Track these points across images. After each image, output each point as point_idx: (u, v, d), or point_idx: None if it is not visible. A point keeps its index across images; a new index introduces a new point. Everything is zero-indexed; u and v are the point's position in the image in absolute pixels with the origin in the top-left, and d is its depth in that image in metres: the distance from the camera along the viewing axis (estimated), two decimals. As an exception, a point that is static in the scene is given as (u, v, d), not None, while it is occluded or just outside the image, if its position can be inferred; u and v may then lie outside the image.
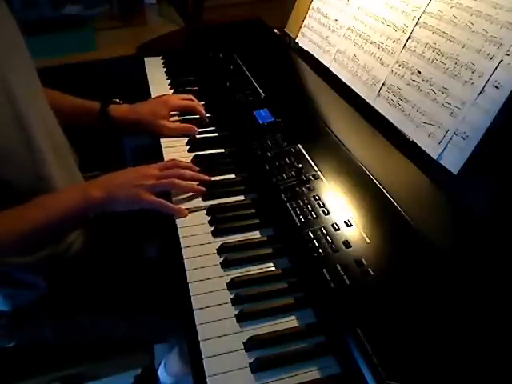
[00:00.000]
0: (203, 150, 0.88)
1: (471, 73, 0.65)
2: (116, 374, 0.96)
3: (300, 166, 0.72)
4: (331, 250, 0.58)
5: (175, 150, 0.89)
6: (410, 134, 0.74)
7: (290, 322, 0.57)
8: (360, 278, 0.54)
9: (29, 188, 0.70)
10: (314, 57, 1.04)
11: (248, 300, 0.58)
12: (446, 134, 0.67)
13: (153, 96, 1.04)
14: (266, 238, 0.68)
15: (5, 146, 0.66)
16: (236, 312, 0.57)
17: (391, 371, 0.44)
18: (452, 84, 0.68)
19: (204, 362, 0.52)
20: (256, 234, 0.69)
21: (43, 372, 0.83)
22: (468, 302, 0.50)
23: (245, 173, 0.81)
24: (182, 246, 0.67)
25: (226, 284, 0.61)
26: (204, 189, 0.76)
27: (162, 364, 1.19)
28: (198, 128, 0.93)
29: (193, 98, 0.99)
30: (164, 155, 0.87)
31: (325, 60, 1.00)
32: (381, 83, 0.82)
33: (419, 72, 0.74)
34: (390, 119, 0.78)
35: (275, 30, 1.24)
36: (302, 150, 0.77)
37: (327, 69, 0.99)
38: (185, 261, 0.64)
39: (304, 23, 1.12)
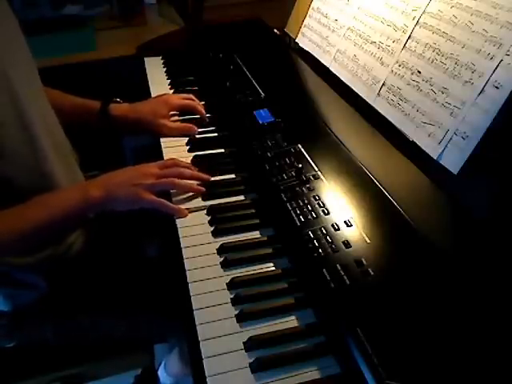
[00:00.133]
0: (203, 150, 0.88)
1: (471, 73, 0.65)
2: (116, 374, 0.96)
3: (300, 166, 0.72)
4: (331, 250, 0.58)
5: (175, 149, 0.89)
6: (410, 134, 0.74)
7: (290, 321, 0.57)
8: (360, 277, 0.54)
9: (31, 185, 0.70)
10: (314, 57, 1.04)
11: (248, 300, 0.58)
12: (446, 134, 0.67)
13: (153, 96, 1.04)
14: (265, 238, 0.68)
15: (8, 146, 0.66)
16: (236, 312, 0.57)
17: (391, 371, 0.44)
18: (452, 84, 0.68)
19: (204, 362, 0.52)
20: (256, 234, 0.69)
21: (43, 372, 0.83)
22: (468, 302, 0.50)
23: (245, 173, 0.81)
24: (182, 245, 0.67)
25: (226, 284, 0.61)
26: (203, 189, 0.76)
27: (162, 364, 1.19)
28: (198, 128, 0.93)
29: (193, 97, 0.99)
30: (164, 155, 0.87)
31: (325, 60, 1.00)
32: (381, 83, 0.82)
33: (419, 72, 0.74)
34: (390, 119, 0.78)
35: (275, 30, 1.24)
36: (302, 150, 0.77)
37: (327, 69, 0.99)
38: (185, 261, 0.64)
39: (304, 23, 1.12)
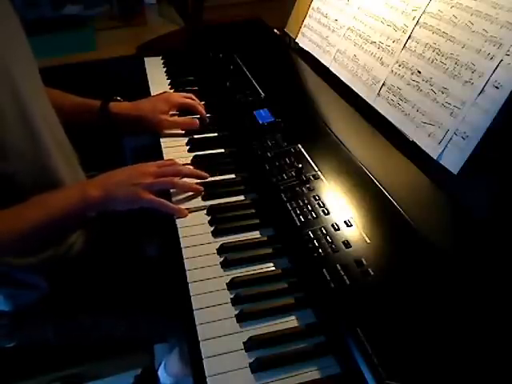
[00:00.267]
0: (203, 150, 0.88)
1: (471, 73, 0.65)
2: (116, 374, 0.96)
3: (300, 166, 0.72)
4: (331, 250, 0.58)
5: (175, 149, 0.89)
6: (410, 134, 0.74)
7: (290, 321, 0.57)
8: (360, 277, 0.54)
9: (35, 182, 0.70)
10: (314, 57, 1.04)
11: (248, 300, 0.59)
12: (446, 134, 0.67)
13: (153, 96, 1.04)
14: (265, 238, 0.68)
15: (10, 141, 0.67)
16: (236, 312, 0.57)
17: (391, 371, 0.44)
18: (452, 84, 0.68)
19: (204, 362, 0.52)
20: (256, 234, 0.69)
21: (44, 372, 0.83)
22: (468, 302, 0.50)
23: (245, 173, 0.81)
24: (182, 245, 0.67)
25: (226, 284, 0.61)
26: (202, 188, 0.76)
27: (162, 364, 1.19)
28: (198, 128, 0.93)
29: (194, 97, 0.99)
30: (164, 155, 0.87)
31: (325, 60, 1.00)
32: (381, 83, 0.82)
33: (419, 72, 0.74)
34: (390, 119, 0.78)
35: (275, 30, 1.25)
36: (302, 150, 0.77)
37: (327, 69, 0.99)
38: (185, 261, 0.64)
39: (304, 23, 1.12)
